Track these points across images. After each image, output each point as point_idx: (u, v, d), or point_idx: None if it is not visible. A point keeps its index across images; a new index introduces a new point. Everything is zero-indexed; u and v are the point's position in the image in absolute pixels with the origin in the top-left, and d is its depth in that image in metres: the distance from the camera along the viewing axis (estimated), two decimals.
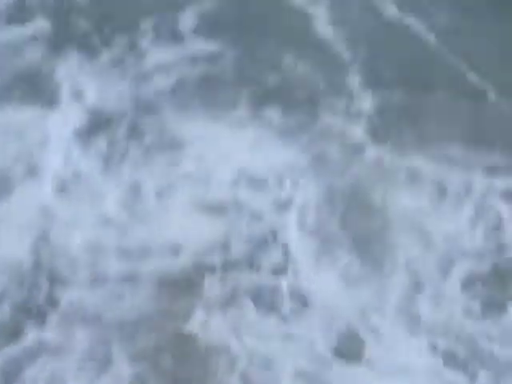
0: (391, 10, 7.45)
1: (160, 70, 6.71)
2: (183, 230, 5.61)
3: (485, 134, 6.30)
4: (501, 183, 5.91)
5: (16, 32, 6.97)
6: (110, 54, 6.80)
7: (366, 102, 6.46)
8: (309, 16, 7.34)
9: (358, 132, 6.25)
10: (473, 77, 6.75)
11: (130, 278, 5.28)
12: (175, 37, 6.99)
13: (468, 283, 5.36)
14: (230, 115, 6.35)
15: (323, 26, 7.20)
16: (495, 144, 6.19)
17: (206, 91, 6.55)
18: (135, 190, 5.85)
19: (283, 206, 5.76)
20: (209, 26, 7.12)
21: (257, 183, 5.91)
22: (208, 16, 7.23)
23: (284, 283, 5.28)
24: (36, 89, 6.52)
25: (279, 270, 5.39)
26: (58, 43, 6.86)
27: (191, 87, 6.57)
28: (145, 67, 6.73)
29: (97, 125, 6.27)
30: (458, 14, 7.41)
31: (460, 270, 5.39)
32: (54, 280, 5.27)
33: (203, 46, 6.92)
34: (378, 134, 6.25)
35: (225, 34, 7.01)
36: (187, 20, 7.16)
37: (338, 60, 6.83)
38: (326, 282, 5.30)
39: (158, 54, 6.82)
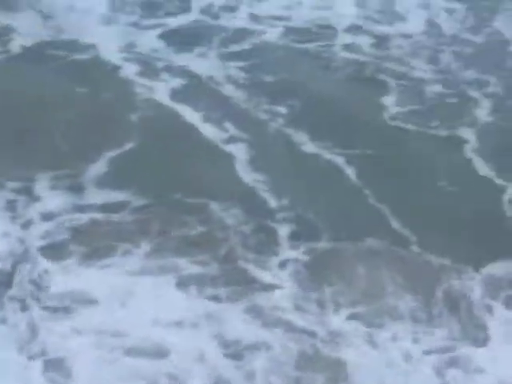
0: (309, 145, 7.43)
1: (50, 217, 6.39)
2: None
3: (409, 282, 6.20)
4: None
5: None
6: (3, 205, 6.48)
7: (293, 253, 6.27)
8: (228, 157, 7.18)
9: (283, 283, 6.06)
10: (395, 224, 6.68)
11: None
12: (74, 187, 6.68)
13: None
14: (129, 264, 6.06)
15: (245, 168, 7.05)
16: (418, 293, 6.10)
17: (101, 242, 6.22)
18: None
19: None
20: (118, 175, 6.84)
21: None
22: (120, 164, 6.95)
23: None
24: None
25: None
26: None
27: (83, 236, 6.26)
28: (35, 214, 6.41)
29: None
30: (376, 146, 7.50)
31: None
32: None
33: (105, 195, 6.63)
34: (304, 285, 6.06)
35: (134, 183, 6.72)
36: (96, 170, 6.86)
37: (263, 209, 6.63)
38: None
39: (51, 202, 6.50)
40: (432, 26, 10.01)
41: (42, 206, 6.51)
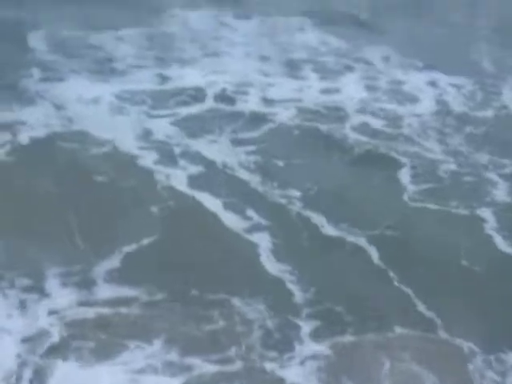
0: (329, 228, 7.29)
1: (59, 314, 6.14)
2: None
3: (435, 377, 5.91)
4: None
5: None
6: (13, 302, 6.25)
7: (317, 348, 5.99)
8: (250, 245, 6.97)
9: (305, 382, 5.73)
10: (421, 307, 6.46)
11: None
12: (85, 283, 6.42)
13: None
14: (137, 362, 5.79)
15: (268, 257, 6.83)
16: None
17: (109, 338, 5.96)
18: None
19: None
20: (133, 270, 6.58)
21: None
22: (135, 257, 6.69)
23: None
24: None
25: None
26: None
27: (91, 333, 5.98)
28: (44, 311, 6.18)
29: None
30: (397, 227, 7.37)
31: None
32: None
33: (116, 291, 6.36)
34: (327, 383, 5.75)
35: (150, 278, 6.45)
36: (110, 264, 6.60)
37: (287, 301, 6.35)
38: None
39: (60, 299, 6.25)
40: (441, 103, 10.06)
41: (52, 302, 6.27)
